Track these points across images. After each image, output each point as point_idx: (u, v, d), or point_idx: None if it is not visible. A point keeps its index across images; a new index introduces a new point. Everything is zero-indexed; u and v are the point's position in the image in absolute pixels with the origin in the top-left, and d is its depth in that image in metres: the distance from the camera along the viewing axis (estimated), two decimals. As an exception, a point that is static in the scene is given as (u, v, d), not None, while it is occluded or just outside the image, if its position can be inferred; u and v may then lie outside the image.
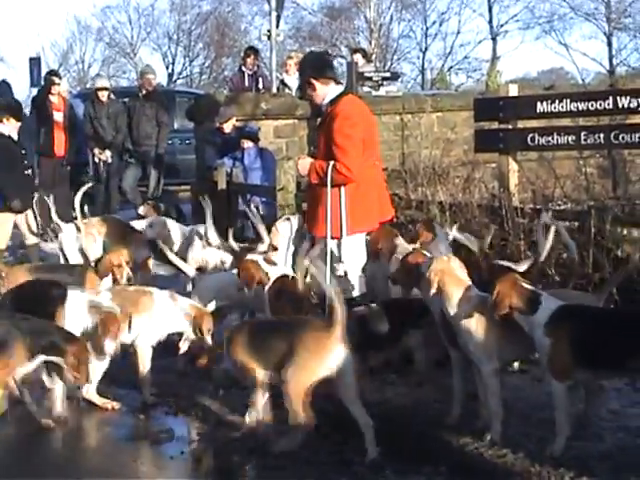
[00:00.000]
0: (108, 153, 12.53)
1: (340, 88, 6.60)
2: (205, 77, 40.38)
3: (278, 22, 13.49)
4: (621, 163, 9.57)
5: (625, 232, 7.49)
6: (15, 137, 9.46)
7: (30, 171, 9.86)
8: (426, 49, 39.56)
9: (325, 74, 6.47)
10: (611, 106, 7.96)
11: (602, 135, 8.13)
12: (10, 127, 9.33)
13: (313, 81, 6.47)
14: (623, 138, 7.96)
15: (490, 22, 37.88)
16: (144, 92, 12.92)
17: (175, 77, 39.83)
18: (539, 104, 8.41)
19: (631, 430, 5.07)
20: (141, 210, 9.60)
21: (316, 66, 6.57)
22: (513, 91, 8.83)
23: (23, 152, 9.61)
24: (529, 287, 4.89)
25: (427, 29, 39.29)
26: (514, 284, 4.88)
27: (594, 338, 4.65)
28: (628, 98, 7.84)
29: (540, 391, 5.56)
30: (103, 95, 12.96)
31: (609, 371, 4.78)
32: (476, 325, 5.02)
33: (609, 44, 36.52)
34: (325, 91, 6.46)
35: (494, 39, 37.83)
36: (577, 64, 38.40)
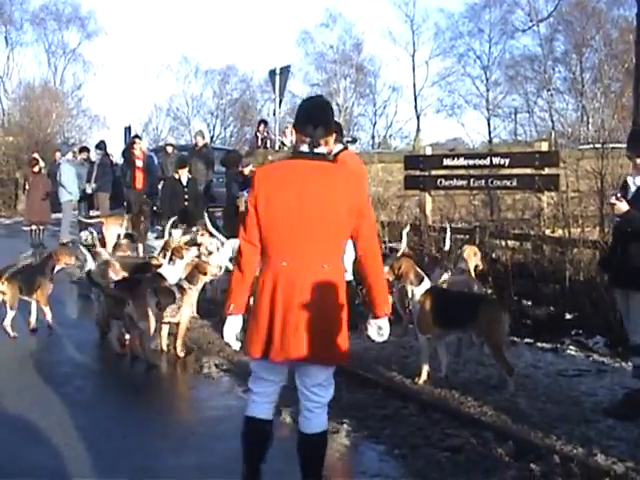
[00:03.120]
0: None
1: (341, 146, 6.44)
2: (233, 139, 40.15)
3: (280, 105, 13.41)
4: (496, 198, 9.56)
5: (498, 242, 7.50)
6: (184, 181, 9.45)
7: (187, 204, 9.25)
8: (375, 123, 39.36)
9: (338, 136, 6.35)
10: (489, 163, 7.98)
11: (483, 181, 8.16)
12: (180, 174, 9.48)
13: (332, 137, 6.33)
14: (496, 183, 7.99)
15: (415, 107, 37.84)
16: (198, 146, 12.76)
17: (215, 139, 39.56)
18: (444, 160, 8.44)
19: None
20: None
21: (339, 130, 6.43)
22: (428, 151, 8.85)
23: (185, 190, 9.41)
24: (419, 270, 4.92)
25: (376, 110, 39.23)
26: (412, 265, 4.91)
27: (443, 308, 4.70)
28: (499, 158, 7.87)
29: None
30: (170, 149, 13.10)
31: (452, 329, 4.82)
32: None
33: (489, 124, 36.48)
34: (333, 146, 6.34)
35: (418, 117, 37.72)
36: (470, 136, 38.25)
